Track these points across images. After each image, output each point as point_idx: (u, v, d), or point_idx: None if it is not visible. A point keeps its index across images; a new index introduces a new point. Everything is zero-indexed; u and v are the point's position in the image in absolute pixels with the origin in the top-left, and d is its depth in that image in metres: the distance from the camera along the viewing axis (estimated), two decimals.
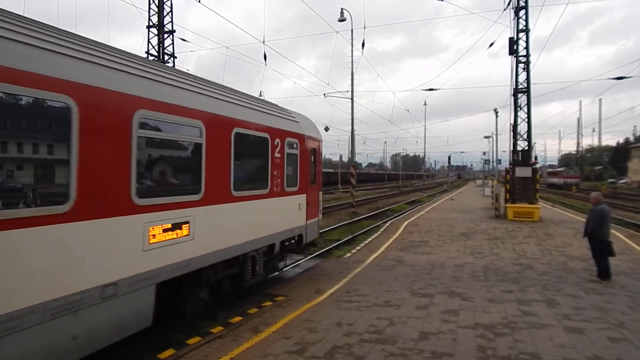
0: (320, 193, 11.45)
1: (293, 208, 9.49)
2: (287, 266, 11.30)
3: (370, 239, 15.19)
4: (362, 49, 31.42)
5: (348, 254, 12.32)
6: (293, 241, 9.92)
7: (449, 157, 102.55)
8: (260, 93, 43.82)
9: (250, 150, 7.84)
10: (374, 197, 45.06)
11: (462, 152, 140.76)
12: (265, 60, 29.50)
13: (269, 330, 6.22)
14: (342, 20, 28.06)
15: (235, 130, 7.09)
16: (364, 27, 29.56)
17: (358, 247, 13.47)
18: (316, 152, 10.96)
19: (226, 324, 6.61)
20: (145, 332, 6.26)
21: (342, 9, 27.95)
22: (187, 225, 5.88)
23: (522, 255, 11.97)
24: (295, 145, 9.54)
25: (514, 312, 6.99)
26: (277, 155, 8.58)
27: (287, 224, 9.21)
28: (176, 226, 5.68)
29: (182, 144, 6.06)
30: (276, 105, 9.81)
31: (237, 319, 6.84)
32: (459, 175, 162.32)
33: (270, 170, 8.29)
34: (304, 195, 10.06)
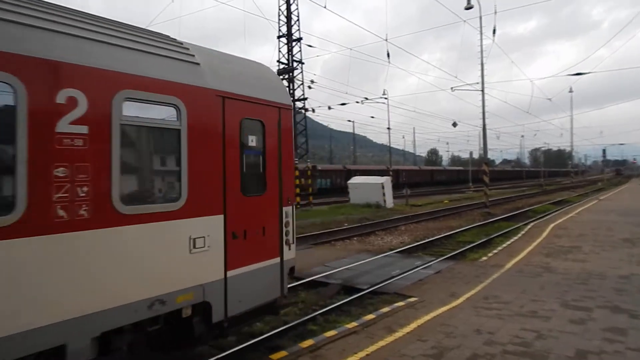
0: (287, 210, 6.01)
1: (160, 250, 4.35)
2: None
3: (508, 242, 13.98)
4: (493, 35, 29.10)
5: (484, 257, 11.52)
6: (184, 320, 4.68)
7: (604, 151, 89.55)
8: (384, 92, 43.61)
9: None
10: (510, 196, 41.51)
11: (620, 144, 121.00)
12: (388, 58, 29.42)
13: (402, 330, 6.15)
14: (469, 8, 26.28)
15: None
16: (495, 12, 26.80)
17: (495, 251, 12.51)
18: (267, 129, 5.70)
19: (360, 321, 6.73)
20: (283, 322, 6.75)
21: None
22: None
23: None
24: (174, 111, 4.57)
25: None
26: (69, 129, 3.66)
27: (124, 291, 4.02)
28: None
29: None
30: (86, 14, 4.40)
31: (370, 316, 6.91)
32: (617, 171, 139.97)
33: (27, 166, 3.41)
34: (219, 217, 4.94)
